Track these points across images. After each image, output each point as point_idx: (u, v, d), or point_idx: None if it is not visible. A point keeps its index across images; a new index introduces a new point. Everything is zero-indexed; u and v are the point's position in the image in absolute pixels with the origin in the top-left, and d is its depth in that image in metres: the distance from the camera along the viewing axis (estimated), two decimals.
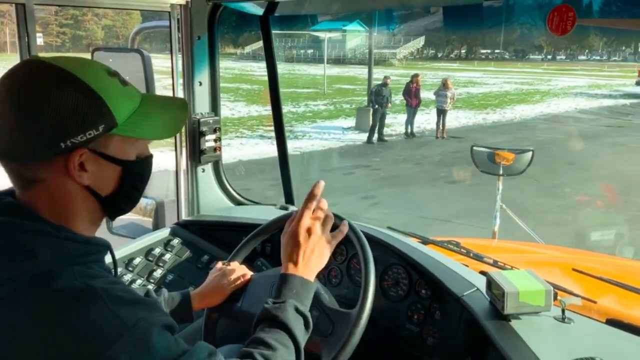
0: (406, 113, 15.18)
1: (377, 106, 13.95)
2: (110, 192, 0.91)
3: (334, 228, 1.25)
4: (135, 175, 0.94)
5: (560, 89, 26.69)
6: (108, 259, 0.97)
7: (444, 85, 14.88)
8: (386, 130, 14.69)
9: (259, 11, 2.11)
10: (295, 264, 1.15)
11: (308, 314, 1.11)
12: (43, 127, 0.81)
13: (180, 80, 2.06)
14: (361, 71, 34.16)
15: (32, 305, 0.79)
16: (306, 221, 1.18)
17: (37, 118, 0.80)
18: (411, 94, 14.66)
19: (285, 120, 2.40)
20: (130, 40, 2.25)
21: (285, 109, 18.40)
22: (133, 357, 0.77)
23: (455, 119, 16.99)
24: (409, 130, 14.76)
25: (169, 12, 1.98)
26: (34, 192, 0.86)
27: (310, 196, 1.21)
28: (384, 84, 14.27)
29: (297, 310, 1.09)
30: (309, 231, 1.17)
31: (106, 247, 0.94)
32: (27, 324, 0.78)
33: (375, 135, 13.94)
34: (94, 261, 0.88)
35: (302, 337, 1.08)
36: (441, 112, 14.60)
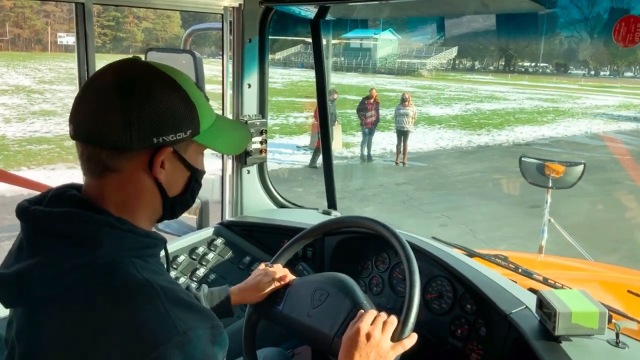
0: (361, 133, 12.79)
1: None
2: (176, 194, 0.96)
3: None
4: (197, 184, 1.00)
5: (583, 108, 25.19)
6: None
7: (404, 101, 12.46)
8: (344, 152, 13.08)
9: (310, 15, 2.12)
10: None
11: None
12: (144, 120, 0.86)
13: (230, 81, 2.08)
14: (384, 81, 33.81)
15: (94, 294, 0.81)
16: (366, 325, 1.18)
17: (141, 111, 0.86)
18: (367, 111, 12.30)
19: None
20: (183, 41, 2.29)
21: (270, 121, 17.48)
22: None
23: (438, 140, 15.55)
24: (366, 153, 12.55)
25: (222, 15, 2.01)
26: (106, 181, 0.89)
27: None
28: (330, 100, 11.40)
29: None
30: (367, 336, 1.17)
31: (164, 242, 0.96)
32: (86, 310, 0.81)
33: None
34: (151, 255, 0.91)
35: None
36: (402, 134, 12.30)
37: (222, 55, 2.03)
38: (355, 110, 13.50)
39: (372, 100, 12.36)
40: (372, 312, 1.22)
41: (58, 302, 0.82)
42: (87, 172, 0.91)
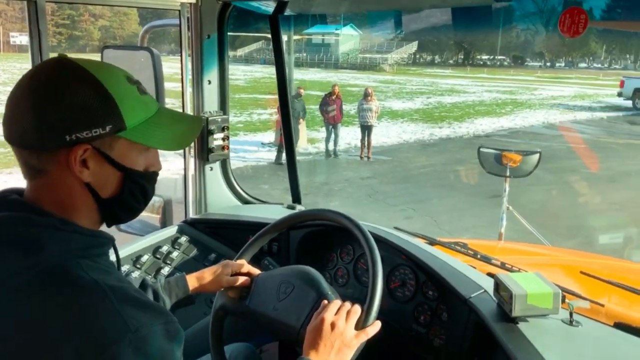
0: (325, 129, 12.73)
1: None
2: (109, 195, 0.92)
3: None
4: (136, 185, 0.94)
5: (540, 99, 25.57)
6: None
7: (366, 96, 12.41)
8: (309, 147, 12.94)
9: (269, 10, 2.12)
10: (317, 352, 1.16)
11: None
12: (53, 118, 0.84)
13: (190, 78, 2.07)
14: (347, 76, 33.90)
15: (39, 297, 0.80)
16: (330, 315, 1.20)
17: (50, 109, 0.84)
18: (330, 108, 12.25)
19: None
20: (140, 38, 2.26)
21: (234, 118, 16.61)
22: None
23: (401, 133, 15.62)
24: (331, 148, 12.56)
25: (179, 11, 1.99)
26: (39, 182, 0.89)
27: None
28: (297, 95, 12.02)
29: None
30: (332, 325, 1.18)
31: (111, 240, 0.95)
32: (34, 315, 0.79)
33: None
34: (99, 254, 0.89)
35: None
36: (365, 128, 12.28)
37: (181, 52, 2.01)
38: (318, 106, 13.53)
39: (334, 97, 12.34)
40: (336, 302, 1.24)
41: (5, 307, 0.80)
42: (24, 175, 0.91)
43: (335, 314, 1.20)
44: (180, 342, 0.86)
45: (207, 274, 1.44)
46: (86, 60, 0.90)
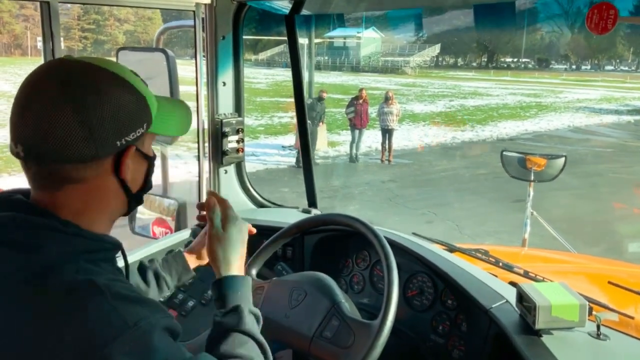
0: (350, 133, 12.68)
1: (310, 123, 11.35)
2: (139, 188, 0.95)
3: None
4: (153, 170, 0.98)
5: (565, 102, 25.34)
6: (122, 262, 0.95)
7: (387, 100, 12.44)
8: (329, 151, 13.04)
9: (284, 10, 2.08)
10: (223, 251, 1.11)
11: (257, 311, 1.07)
12: (103, 126, 0.82)
13: (204, 80, 2.04)
14: (369, 79, 33.82)
15: (33, 298, 0.78)
16: (217, 222, 1.14)
17: (98, 117, 0.82)
18: (356, 112, 12.22)
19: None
20: (155, 40, 2.25)
21: (249, 120, 16.59)
22: (131, 358, 0.74)
23: (423, 137, 15.61)
24: (354, 153, 12.47)
25: (194, 12, 1.97)
26: (65, 192, 0.85)
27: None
28: (320, 98, 12.05)
29: (251, 312, 1.05)
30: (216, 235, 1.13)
31: (116, 245, 0.92)
32: (28, 316, 0.77)
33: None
34: (102, 259, 0.87)
35: (259, 333, 1.04)
36: (386, 132, 12.29)
37: (195, 53, 1.99)
38: (339, 109, 13.53)
39: (361, 101, 12.31)
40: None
41: (3, 307, 0.79)
42: (40, 188, 0.86)
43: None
44: (178, 335, 0.84)
45: (197, 244, 1.41)
46: (92, 59, 0.88)
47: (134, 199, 0.94)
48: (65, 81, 0.82)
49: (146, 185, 0.97)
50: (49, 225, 0.82)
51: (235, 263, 1.11)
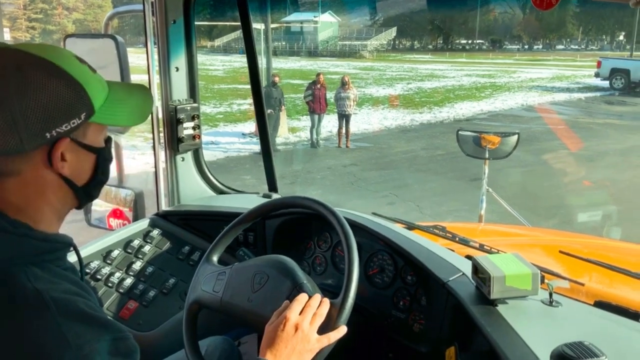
0: (310, 118, 12.50)
1: (270, 110, 11.16)
2: (85, 182, 0.90)
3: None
4: (105, 161, 0.93)
5: (519, 82, 25.71)
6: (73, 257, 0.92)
7: (344, 85, 12.25)
8: (290, 136, 12.88)
9: None
10: (275, 354, 1.08)
11: None
12: (29, 117, 0.77)
13: (156, 66, 1.99)
14: (327, 64, 33.82)
15: None
16: (294, 315, 1.12)
17: (22, 108, 0.77)
18: (315, 96, 12.04)
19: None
20: (104, 26, 2.17)
21: (207, 108, 16.37)
22: None
23: (382, 120, 15.61)
24: (315, 139, 12.33)
25: None
26: (3, 185, 0.82)
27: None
28: (273, 83, 11.80)
29: None
30: (295, 327, 1.10)
31: (68, 244, 0.89)
32: None
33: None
34: (52, 260, 0.84)
35: None
36: (343, 117, 12.16)
37: (145, 38, 1.93)
38: (299, 95, 13.43)
39: (319, 85, 12.16)
40: (301, 301, 1.16)
41: None
42: None
43: (300, 313, 1.13)
44: (131, 357, 0.80)
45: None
46: (32, 45, 0.83)
47: (83, 193, 0.90)
48: None
49: (95, 178, 0.91)
50: None
51: None
